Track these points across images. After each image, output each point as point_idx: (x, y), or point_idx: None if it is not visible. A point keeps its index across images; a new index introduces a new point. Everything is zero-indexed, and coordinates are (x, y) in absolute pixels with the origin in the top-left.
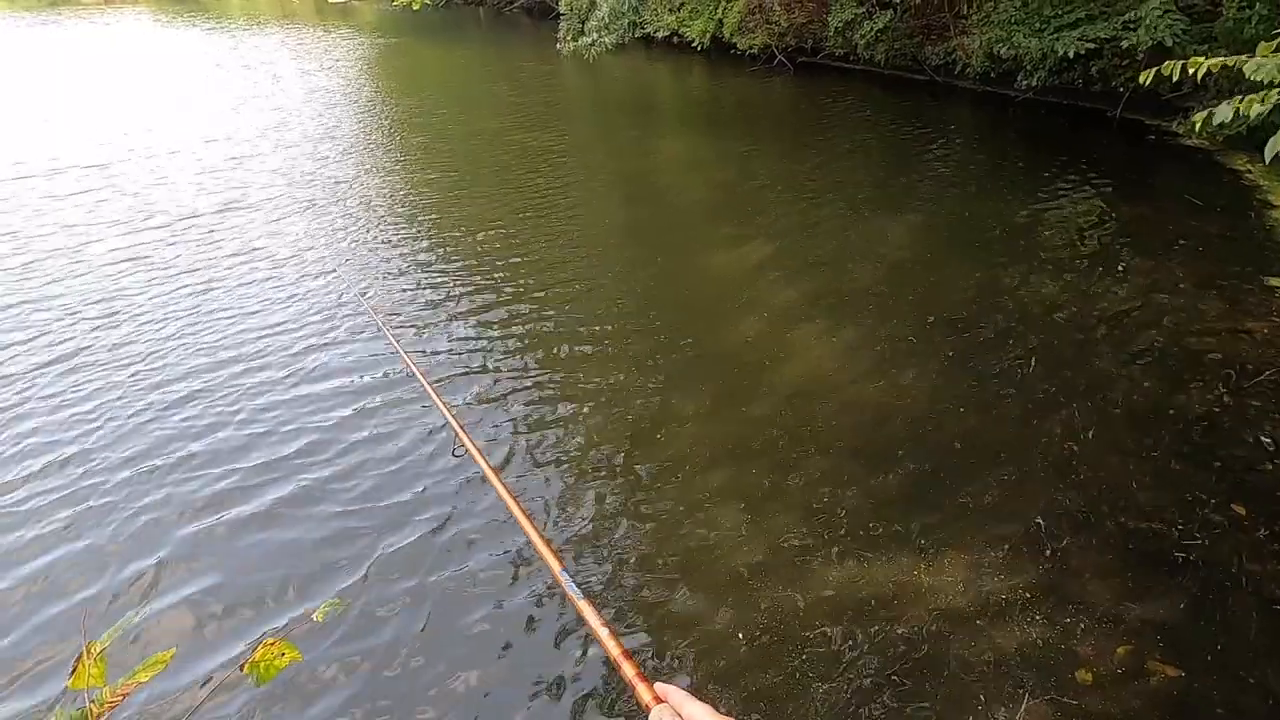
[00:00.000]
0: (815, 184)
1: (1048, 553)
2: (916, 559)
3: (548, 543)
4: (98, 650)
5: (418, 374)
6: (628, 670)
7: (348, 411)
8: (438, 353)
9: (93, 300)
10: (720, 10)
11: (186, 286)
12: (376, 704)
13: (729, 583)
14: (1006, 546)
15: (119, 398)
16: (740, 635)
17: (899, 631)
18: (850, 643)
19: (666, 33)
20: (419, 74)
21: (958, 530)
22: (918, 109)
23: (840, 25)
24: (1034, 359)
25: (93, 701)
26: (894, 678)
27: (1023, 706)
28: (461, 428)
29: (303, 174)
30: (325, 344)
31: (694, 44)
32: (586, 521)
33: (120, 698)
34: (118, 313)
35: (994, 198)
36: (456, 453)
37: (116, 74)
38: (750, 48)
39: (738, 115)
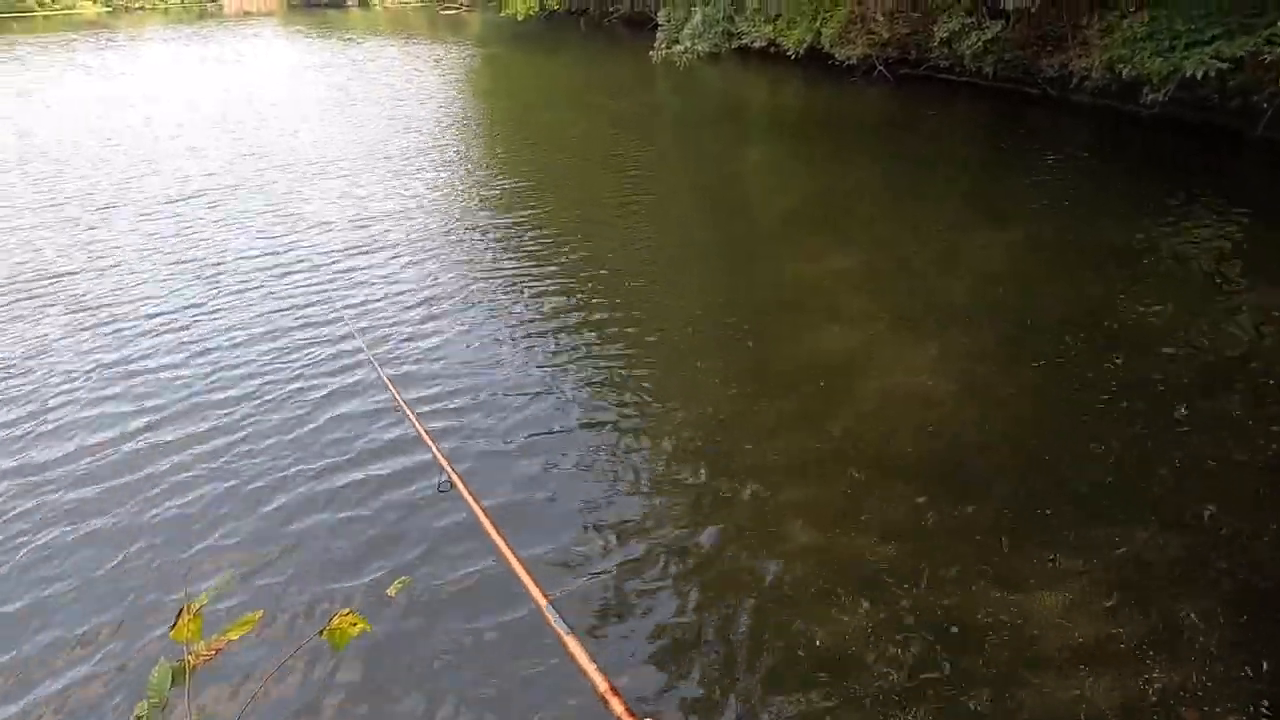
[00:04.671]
0: (908, 196)
1: (1150, 601)
2: (1002, 595)
3: (532, 576)
4: (196, 608)
5: (391, 387)
6: (615, 705)
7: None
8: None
9: (239, 287)
10: (819, 20)
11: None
12: None
13: (794, 604)
14: (1103, 590)
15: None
16: (797, 663)
17: (978, 670)
18: (922, 677)
19: (763, 43)
20: (517, 81)
21: (1049, 568)
22: (1026, 123)
23: (946, 36)
24: (1140, 393)
25: (190, 654)
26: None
27: None
28: (445, 457)
29: (401, 174)
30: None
31: (790, 54)
32: (583, 566)
33: (213, 652)
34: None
35: (1105, 219)
36: (442, 488)
37: (248, 81)
38: (849, 58)
39: (831, 125)
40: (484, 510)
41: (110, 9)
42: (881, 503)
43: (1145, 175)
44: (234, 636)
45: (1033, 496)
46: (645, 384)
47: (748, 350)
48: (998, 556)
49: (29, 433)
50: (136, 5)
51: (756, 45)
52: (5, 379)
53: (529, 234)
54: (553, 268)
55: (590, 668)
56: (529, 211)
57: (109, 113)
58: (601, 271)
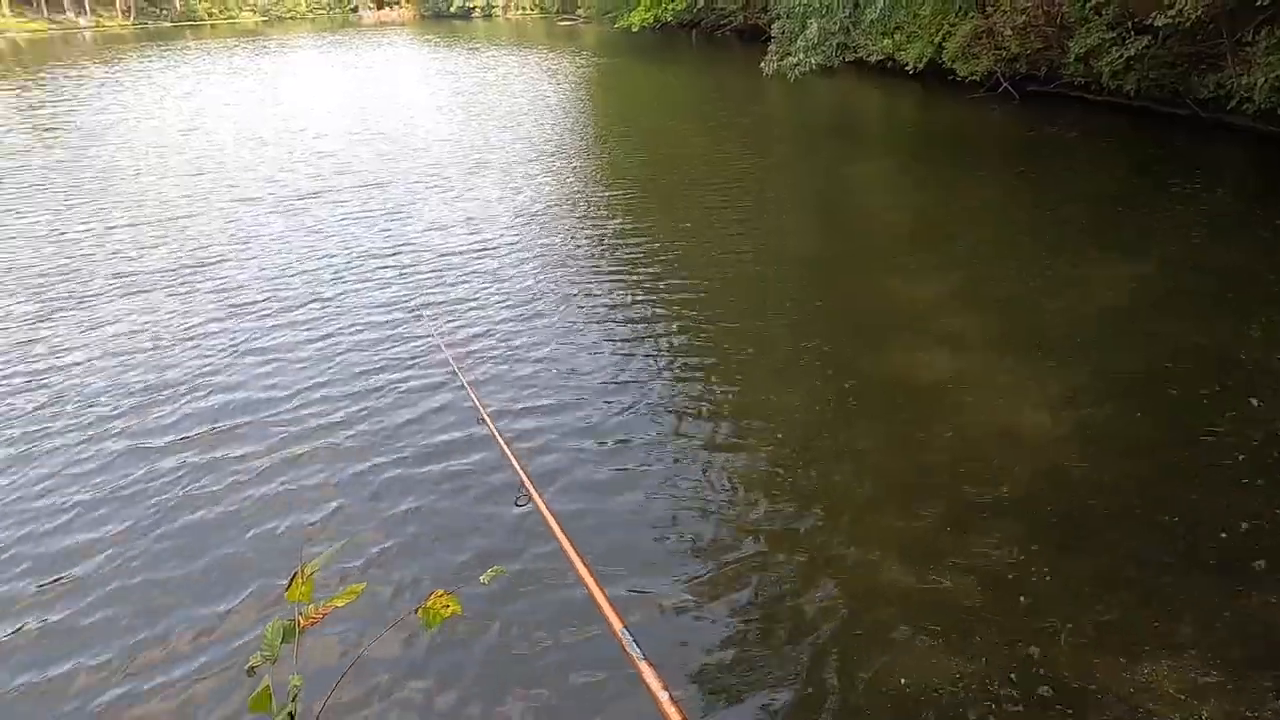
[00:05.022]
0: (1025, 218)
1: None
2: (1111, 659)
3: (608, 598)
4: (309, 572)
5: (474, 397)
6: None
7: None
8: (598, 354)
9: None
10: (941, 34)
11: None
12: None
13: (878, 645)
14: (1232, 666)
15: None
16: (878, 708)
17: None
18: None
19: (879, 56)
20: (628, 90)
21: (1168, 636)
22: (1170, 146)
23: (1083, 51)
24: None
25: (300, 615)
26: None
27: None
28: (525, 473)
29: (514, 179)
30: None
31: (909, 68)
32: (661, 589)
33: (320, 616)
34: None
35: (1252, 253)
36: (520, 502)
37: (379, 86)
38: (972, 74)
39: (948, 142)
40: (561, 527)
41: (266, 19)
42: (978, 543)
43: None
44: (339, 604)
45: (1152, 554)
46: (732, 402)
47: (841, 370)
48: (1108, 616)
49: (171, 398)
50: (288, 15)
51: (873, 59)
52: (157, 352)
53: (630, 243)
54: (650, 279)
55: (663, 697)
56: (632, 221)
57: (256, 113)
58: (697, 283)
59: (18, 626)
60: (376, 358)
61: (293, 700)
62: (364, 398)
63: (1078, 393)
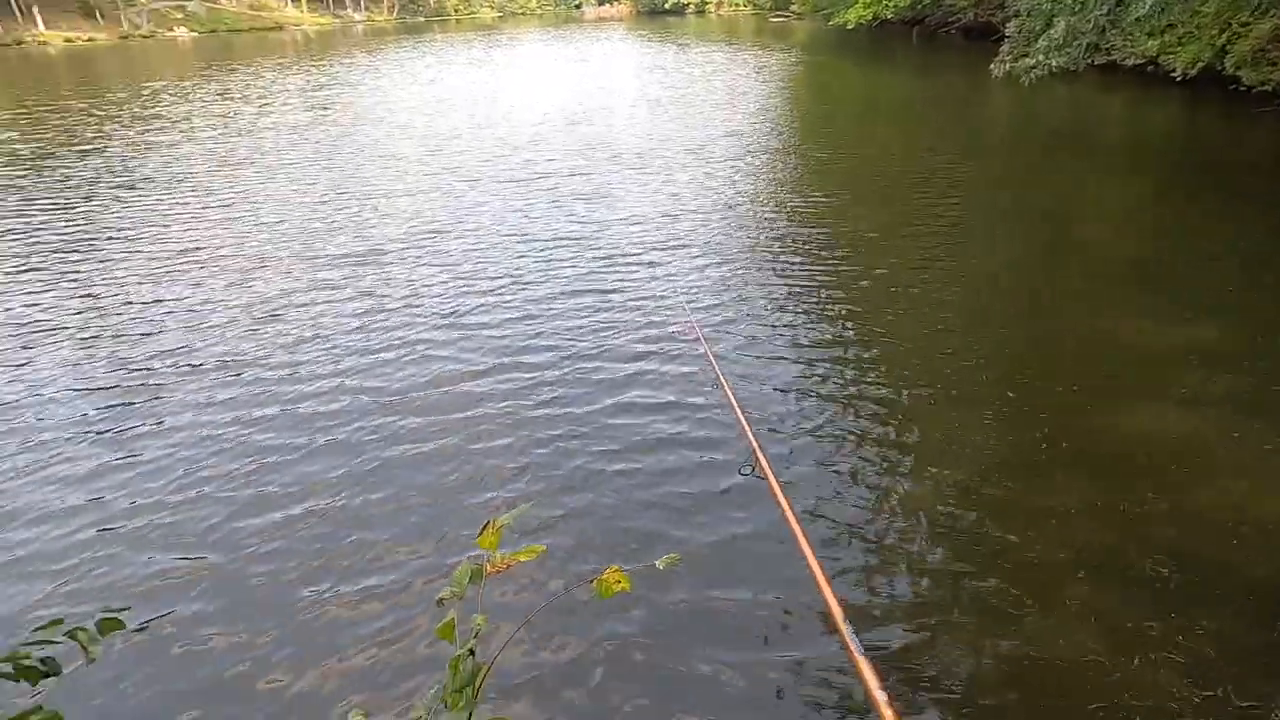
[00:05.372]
0: None
1: None
2: None
3: (833, 588)
4: (498, 524)
5: (726, 389)
6: None
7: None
8: (755, 369)
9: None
10: (1225, 35)
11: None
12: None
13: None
14: None
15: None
16: None
17: None
18: None
19: (1139, 60)
20: (837, 91)
21: None
22: None
23: None
24: None
25: (488, 561)
26: None
27: None
28: (761, 451)
29: (715, 175)
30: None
31: (1175, 74)
32: (886, 581)
33: (505, 566)
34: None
35: None
36: (743, 471)
37: (595, 78)
38: (1264, 84)
39: (1217, 165)
40: (789, 504)
41: (501, 15)
42: (1196, 640)
43: None
44: (522, 559)
45: None
46: (913, 436)
47: (1046, 416)
48: None
49: (389, 361)
50: (520, 11)
51: (1129, 62)
52: (385, 315)
53: (824, 250)
54: (841, 294)
55: (880, 697)
56: (828, 227)
57: (485, 100)
58: (875, 289)
59: (256, 542)
60: (578, 331)
61: (475, 637)
62: (568, 366)
63: None
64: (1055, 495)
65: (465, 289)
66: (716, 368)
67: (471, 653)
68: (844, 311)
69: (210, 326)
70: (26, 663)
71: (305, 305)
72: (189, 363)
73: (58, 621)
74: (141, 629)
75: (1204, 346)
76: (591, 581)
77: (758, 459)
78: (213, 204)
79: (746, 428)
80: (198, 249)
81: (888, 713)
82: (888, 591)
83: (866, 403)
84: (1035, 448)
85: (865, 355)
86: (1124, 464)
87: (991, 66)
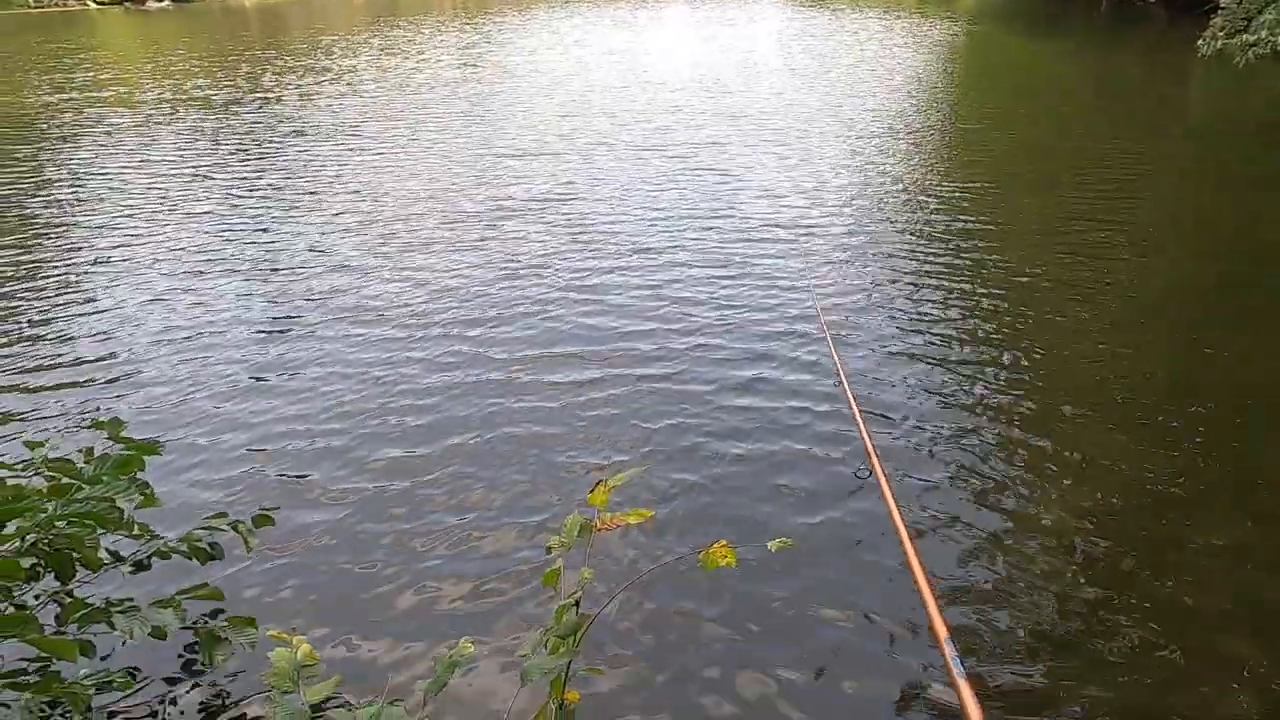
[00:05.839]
0: None
1: None
2: None
3: (939, 604)
4: (610, 484)
5: (843, 381)
6: None
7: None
8: (881, 366)
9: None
10: None
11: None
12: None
13: None
14: None
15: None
16: None
17: None
18: None
19: None
20: (1003, 66)
21: None
22: None
23: None
24: None
25: (597, 519)
26: None
27: None
28: (876, 454)
29: (857, 153)
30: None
31: None
32: (998, 605)
33: (614, 525)
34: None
35: None
36: (860, 473)
37: (739, 44)
38: None
39: None
40: (900, 513)
41: None
42: None
43: None
44: (631, 521)
45: None
46: (1077, 459)
47: (1208, 446)
48: None
49: (517, 318)
50: None
51: None
52: (517, 274)
53: (972, 242)
54: (984, 288)
55: None
56: (979, 216)
57: (625, 63)
58: (1043, 297)
59: (386, 473)
60: (699, 309)
61: (581, 588)
62: (687, 342)
63: None
64: (1211, 534)
65: (594, 254)
66: (837, 358)
67: (576, 604)
68: (986, 311)
69: (360, 271)
70: (198, 545)
71: (445, 257)
72: (339, 304)
73: (222, 514)
74: (290, 532)
75: None
76: (698, 553)
77: (871, 460)
78: (368, 156)
79: (862, 426)
80: (352, 197)
81: None
82: (999, 616)
83: (999, 411)
84: (1193, 480)
85: (1005, 360)
86: None
87: (1199, 42)
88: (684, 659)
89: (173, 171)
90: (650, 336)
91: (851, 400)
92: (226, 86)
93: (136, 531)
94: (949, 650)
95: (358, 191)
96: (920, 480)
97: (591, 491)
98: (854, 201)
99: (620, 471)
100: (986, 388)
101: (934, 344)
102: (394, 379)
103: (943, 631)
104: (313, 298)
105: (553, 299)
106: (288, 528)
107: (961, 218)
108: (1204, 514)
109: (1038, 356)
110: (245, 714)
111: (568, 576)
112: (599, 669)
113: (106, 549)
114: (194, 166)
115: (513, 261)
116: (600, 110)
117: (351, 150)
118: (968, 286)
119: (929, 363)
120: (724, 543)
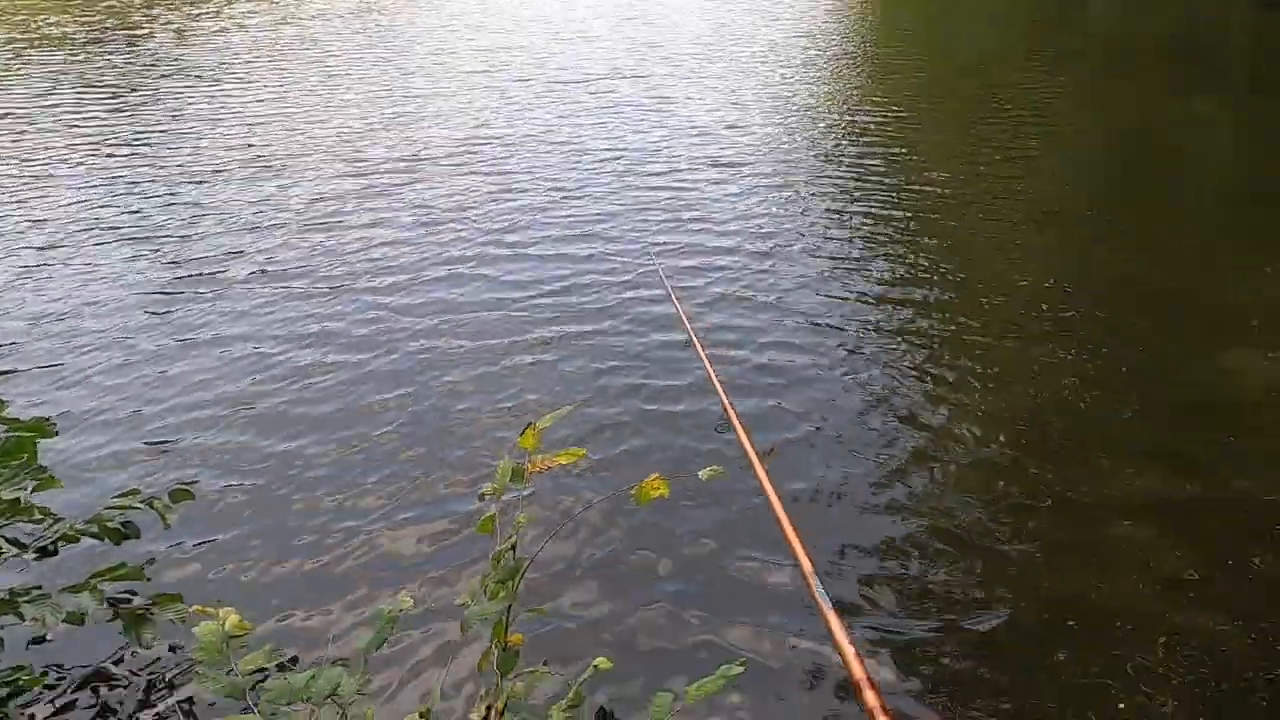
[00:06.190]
0: None
1: None
2: None
3: (800, 536)
4: (539, 426)
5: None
6: (869, 698)
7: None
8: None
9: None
10: None
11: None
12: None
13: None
14: None
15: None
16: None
17: None
18: None
19: None
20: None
21: None
22: None
23: None
24: None
25: (529, 461)
26: None
27: None
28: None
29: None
30: None
31: None
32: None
33: (545, 467)
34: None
35: None
36: (719, 429)
37: None
38: None
39: None
40: (759, 456)
41: None
42: (1261, 582)
43: None
44: (563, 460)
45: None
46: (948, 374)
47: (1120, 354)
48: None
49: (435, 268)
50: None
51: None
52: (433, 223)
53: (893, 170)
54: (899, 213)
55: (849, 651)
56: (884, 146)
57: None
58: (953, 219)
59: (304, 435)
60: (635, 250)
61: (516, 532)
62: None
63: None
64: (1121, 438)
65: (512, 201)
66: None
67: (513, 549)
68: (894, 236)
69: (254, 229)
70: (109, 525)
71: (350, 211)
72: (240, 264)
73: (134, 491)
74: (210, 504)
75: None
76: (631, 490)
77: (726, 408)
78: (258, 98)
79: (708, 364)
80: (243, 145)
81: (855, 666)
82: (860, 547)
83: (907, 335)
84: (1101, 387)
85: (900, 272)
86: (1207, 410)
87: None
88: (623, 592)
89: (28, 125)
90: (575, 287)
91: (694, 338)
92: (85, 22)
93: (38, 516)
94: (814, 582)
95: (249, 140)
96: (785, 437)
97: (521, 435)
98: (780, 132)
99: (549, 413)
100: (900, 305)
101: (833, 258)
102: (306, 337)
103: (807, 564)
104: (207, 258)
105: (473, 248)
106: (208, 499)
107: (865, 140)
108: (1110, 415)
109: (945, 278)
110: (187, 695)
111: (504, 522)
112: (542, 609)
113: (3, 537)
114: (54, 118)
115: (427, 211)
116: (514, 43)
117: (238, 92)
118: (882, 213)
119: (859, 292)
120: (656, 475)
